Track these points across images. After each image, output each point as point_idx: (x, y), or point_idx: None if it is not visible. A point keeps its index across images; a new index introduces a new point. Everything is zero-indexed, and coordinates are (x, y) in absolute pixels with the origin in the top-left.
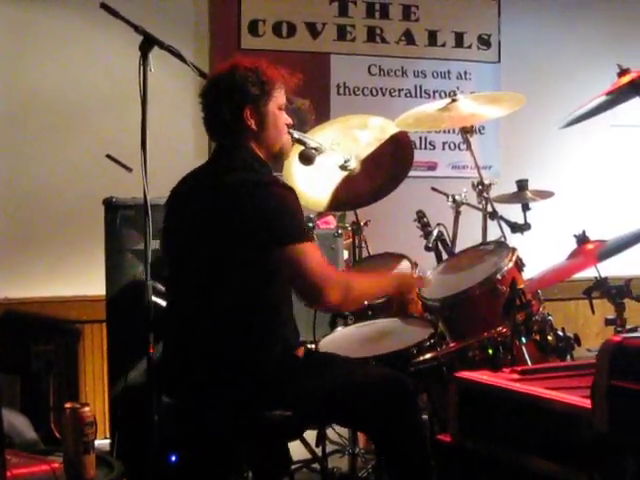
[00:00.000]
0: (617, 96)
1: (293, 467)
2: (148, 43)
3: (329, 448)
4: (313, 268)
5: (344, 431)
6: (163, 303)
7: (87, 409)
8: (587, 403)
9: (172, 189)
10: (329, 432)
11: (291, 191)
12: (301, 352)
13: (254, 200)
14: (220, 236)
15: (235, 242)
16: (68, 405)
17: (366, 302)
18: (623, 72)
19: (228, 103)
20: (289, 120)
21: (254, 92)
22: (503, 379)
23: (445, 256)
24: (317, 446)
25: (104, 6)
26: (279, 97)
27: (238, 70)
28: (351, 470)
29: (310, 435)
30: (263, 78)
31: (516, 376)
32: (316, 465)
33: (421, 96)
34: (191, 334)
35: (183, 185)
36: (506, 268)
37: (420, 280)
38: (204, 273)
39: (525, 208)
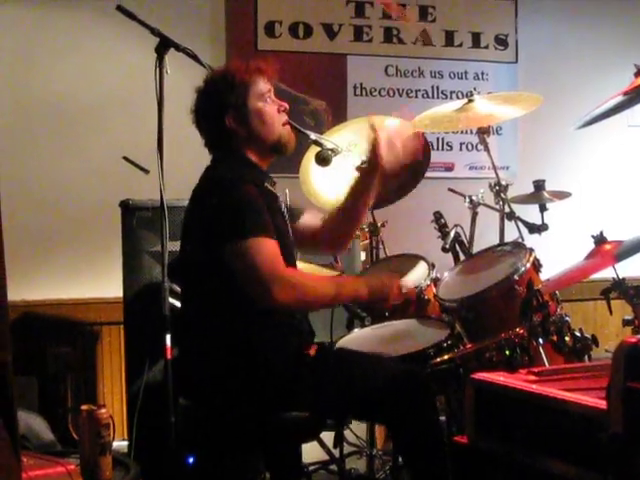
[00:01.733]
0: (634, 96)
1: (311, 468)
2: (164, 45)
3: (347, 449)
4: (261, 263)
5: (362, 432)
6: (179, 305)
7: (103, 411)
8: (603, 404)
9: None
10: (347, 433)
11: (251, 186)
12: (313, 351)
13: (212, 198)
14: (205, 236)
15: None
16: (84, 407)
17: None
18: None
19: (209, 120)
20: (282, 105)
21: (229, 99)
22: (519, 380)
23: (462, 257)
24: (335, 447)
25: (120, 8)
26: (259, 90)
27: (210, 83)
28: (369, 471)
29: (328, 436)
30: (234, 81)
31: (532, 377)
32: (334, 466)
33: (438, 97)
34: (202, 335)
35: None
36: (523, 269)
37: (398, 291)
38: (203, 276)
39: (542, 209)
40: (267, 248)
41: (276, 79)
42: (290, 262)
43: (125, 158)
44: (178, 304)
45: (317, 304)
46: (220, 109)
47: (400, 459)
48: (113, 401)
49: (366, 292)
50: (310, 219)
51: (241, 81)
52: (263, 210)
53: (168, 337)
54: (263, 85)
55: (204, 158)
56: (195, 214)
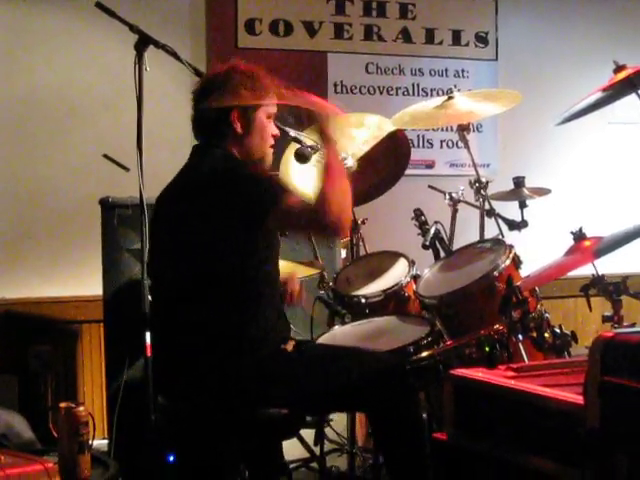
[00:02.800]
0: (613, 92)
1: (291, 466)
2: (143, 42)
3: (327, 447)
4: (305, 206)
5: (342, 430)
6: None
7: (82, 409)
8: (581, 400)
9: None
10: (327, 431)
11: (252, 167)
12: (290, 346)
13: (224, 188)
14: (197, 232)
15: (215, 233)
16: (63, 405)
17: None
18: (619, 68)
19: (217, 102)
20: (276, 131)
21: (246, 95)
22: (498, 376)
23: (442, 254)
24: (315, 445)
25: (99, 5)
26: (270, 107)
27: (234, 73)
28: (349, 469)
29: (308, 434)
30: (257, 85)
31: (511, 373)
32: (314, 464)
33: (418, 94)
34: (178, 333)
35: (164, 190)
36: (503, 265)
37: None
38: (182, 270)
39: (522, 205)
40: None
41: (282, 108)
42: (276, 261)
43: (105, 156)
44: None
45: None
46: (234, 98)
47: (381, 458)
48: (93, 399)
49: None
50: None
51: (264, 87)
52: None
53: (148, 335)
54: (273, 106)
55: (184, 156)
56: (193, 211)
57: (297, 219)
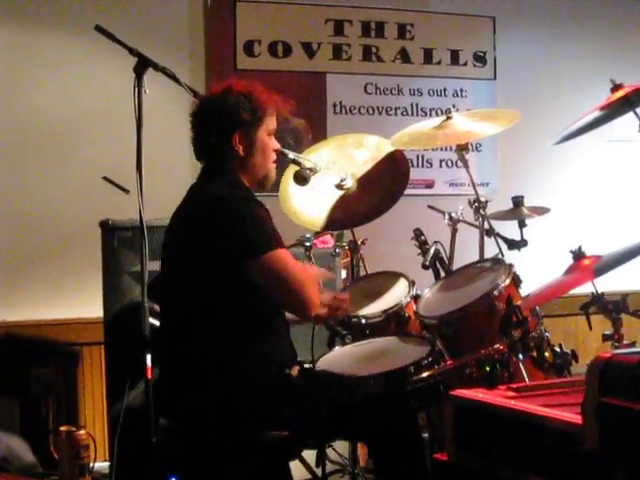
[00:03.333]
0: (611, 111)
1: None
2: (142, 65)
3: (329, 468)
4: (294, 273)
5: (344, 451)
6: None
7: (82, 432)
8: (580, 420)
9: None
10: (329, 452)
11: (260, 205)
12: (296, 372)
13: (221, 217)
14: (198, 256)
15: (211, 260)
16: (63, 428)
17: None
18: (616, 87)
19: (217, 126)
20: (277, 146)
21: (245, 118)
22: (498, 396)
23: (442, 274)
24: (317, 466)
25: (99, 28)
26: (270, 124)
27: (231, 94)
28: None
29: (310, 455)
30: (255, 104)
31: (511, 393)
32: None
33: (417, 114)
34: (182, 355)
35: (174, 212)
36: (503, 285)
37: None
38: (188, 294)
39: (521, 224)
40: (291, 258)
41: (281, 122)
42: None
43: (105, 178)
44: (158, 324)
45: None
46: (234, 123)
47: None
48: (95, 422)
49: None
50: None
51: (262, 106)
52: (272, 224)
53: (149, 357)
54: (273, 122)
55: (184, 177)
56: (196, 235)
57: (276, 281)
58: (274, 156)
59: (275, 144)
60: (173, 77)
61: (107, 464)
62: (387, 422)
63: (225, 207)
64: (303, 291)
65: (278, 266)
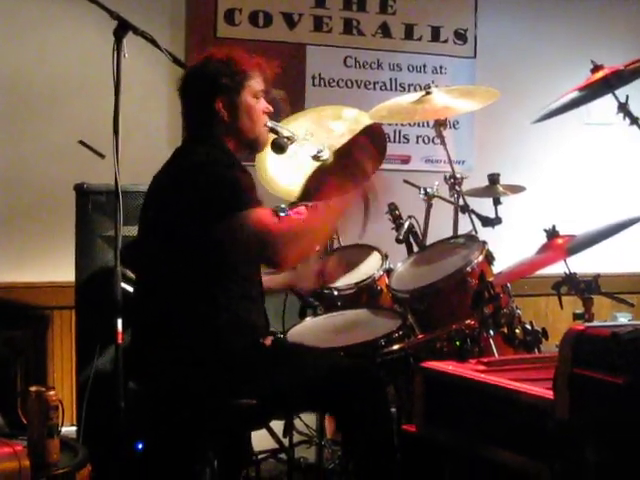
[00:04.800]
0: (590, 92)
1: (260, 457)
2: (122, 29)
3: (296, 438)
4: (255, 229)
5: (312, 422)
6: (132, 289)
7: (52, 393)
8: (551, 394)
9: None
10: (297, 422)
11: (241, 169)
12: (269, 341)
13: (199, 179)
14: (172, 220)
15: (187, 222)
16: (33, 388)
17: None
18: (596, 68)
19: (199, 94)
20: (268, 108)
21: (226, 83)
22: (468, 370)
23: (416, 248)
24: (284, 436)
25: None
26: (255, 85)
27: (210, 62)
28: (318, 460)
29: (277, 425)
30: (235, 68)
31: (482, 367)
32: (283, 455)
33: (396, 89)
34: (154, 319)
35: (153, 178)
36: (476, 261)
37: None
38: (162, 257)
39: (496, 202)
40: (260, 215)
41: (271, 82)
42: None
43: (81, 142)
44: (130, 289)
45: (316, 245)
46: (214, 88)
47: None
48: (63, 386)
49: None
50: None
51: (242, 70)
52: (248, 185)
53: (120, 322)
54: (259, 83)
55: (161, 143)
56: (172, 193)
57: (247, 239)
58: (265, 118)
59: (266, 106)
60: (152, 41)
61: (74, 428)
62: (356, 394)
63: (204, 170)
64: (269, 250)
65: (245, 224)
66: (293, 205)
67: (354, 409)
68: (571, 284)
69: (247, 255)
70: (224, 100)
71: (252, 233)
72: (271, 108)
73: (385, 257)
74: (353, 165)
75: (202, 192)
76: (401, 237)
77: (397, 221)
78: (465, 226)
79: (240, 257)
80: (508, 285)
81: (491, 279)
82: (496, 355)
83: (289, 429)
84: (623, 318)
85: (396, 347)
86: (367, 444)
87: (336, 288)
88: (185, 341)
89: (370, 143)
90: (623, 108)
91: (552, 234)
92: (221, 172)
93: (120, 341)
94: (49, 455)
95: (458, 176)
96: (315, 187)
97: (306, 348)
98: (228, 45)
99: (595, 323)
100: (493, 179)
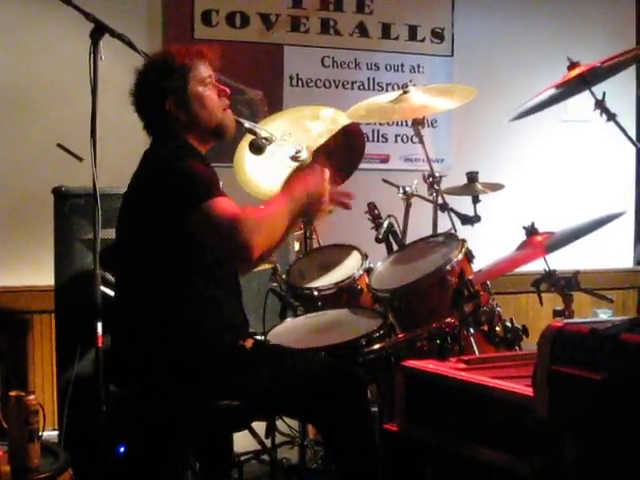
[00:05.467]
0: (567, 89)
1: (242, 458)
2: (99, 31)
3: (279, 439)
4: (224, 216)
5: (294, 423)
6: (112, 293)
7: (32, 397)
8: (530, 391)
9: None
10: (279, 423)
11: (195, 158)
12: (249, 343)
13: (158, 178)
14: (144, 222)
15: (156, 225)
16: (13, 393)
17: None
18: (573, 65)
19: (149, 104)
20: (223, 89)
21: (169, 83)
22: (449, 368)
23: (395, 248)
24: (267, 437)
25: None
26: (199, 73)
27: (150, 68)
28: (300, 461)
29: (259, 426)
30: (173, 65)
31: (462, 365)
32: (265, 456)
33: (374, 89)
34: (134, 322)
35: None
36: (455, 260)
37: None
38: (137, 261)
39: (475, 200)
40: (226, 204)
41: (218, 64)
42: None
43: (59, 145)
44: (110, 292)
45: (282, 235)
46: (160, 93)
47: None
48: (44, 390)
49: (304, 194)
50: None
51: (181, 65)
52: (210, 175)
53: (99, 325)
54: (204, 69)
55: (138, 146)
56: (139, 196)
57: (213, 230)
58: (224, 102)
59: (221, 90)
60: (129, 44)
61: (55, 432)
62: (337, 394)
63: (167, 168)
64: (239, 236)
65: (213, 214)
66: None
67: (335, 410)
68: (551, 281)
69: (218, 244)
70: (173, 100)
71: (221, 220)
72: (226, 89)
73: (365, 257)
74: (332, 165)
75: (169, 189)
76: (381, 236)
77: (376, 220)
78: (444, 224)
79: (212, 247)
80: (488, 283)
81: (471, 277)
82: (477, 353)
83: (271, 430)
84: (603, 314)
85: (377, 346)
86: (349, 444)
87: (316, 288)
88: (164, 343)
89: (348, 143)
90: (600, 105)
91: (531, 231)
92: (183, 166)
93: (100, 344)
94: (30, 460)
95: (437, 175)
96: None
97: (287, 350)
98: (206, 44)
99: (574, 320)
100: (472, 177)
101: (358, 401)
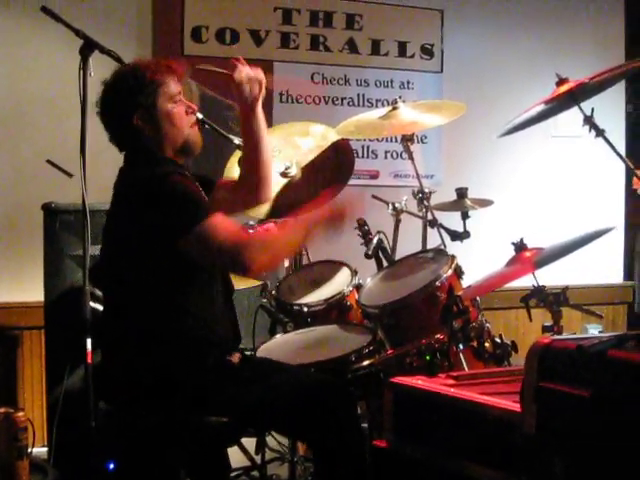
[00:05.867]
0: (555, 105)
1: (232, 474)
2: (89, 47)
3: (268, 455)
4: (225, 239)
5: (284, 439)
6: (101, 309)
7: (21, 414)
8: (518, 407)
9: None
10: (269, 440)
11: (177, 174)
12: (236, 358)
13: (146, 198)
14: (128, 241)
15: (147, 242)
16: (1, 410)
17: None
18: (561, 81)
19: (116, 116)
20: (191, 106)
21: (138, 98)
22: (438, 384)
23: (385, 264)
24: (257, 454)
25: (45, 9)
26: (169, 89)
27: (117, 81)
28: (290, 478)
29: (249, 442)
30: (142, 79)
31: (451, 381)
32: (255, 473)
33: (364, 105)
34: (122, 338)
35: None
36: (445, 276)
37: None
38: (126, 278)
39: (464, 216)
40: (222, 223)
41: (185, 79)
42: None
43: (48, 161)
44: (100, 308)
45: (285, 256)
46: (128, 107)
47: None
48: (33, 407)
49: (322, 223)
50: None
51: (151, 80)
52: (199, 192)
53: (89, 341)
54: (174, 86)
55: None
56: (123, 217)
57: (215, 252)
58: (191, 119)
59: (188, 106)
60: (119, 60)
61: (45, 449)
62: (326, 411)
63: (147, 188)
64: (242, 258)
65: (213, 236)
66: (261, 222)
67: (325, 424)
68: (540, 297)
69: (219, 262)
70: (141, 115)
71: (223, 244)
72: (193, 106)
73: (354, 273)
74: (321, 181)
75: (159, 210)
76: (370, 252)
77: (366, 236)
78: (434, 240)
79: (210, 265)
80: (477, 299)
81: (460, 293)
82: (466, 369)
83: (261, 446)
84: (593, 330)
85: (366, 363)
86: (339, 460)
87: (306, 304)
88: (151, 358)
89: (338, 159)
90: (589, 121)
91: (520, 247)
92: (169, 186)
93: (90, 361)
94: (18, 477)
95: (426, 191)
96: (283, 203)
97: (275, 364)
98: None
99: (561, 336)
100: (461, 193)
101: (348, 415)
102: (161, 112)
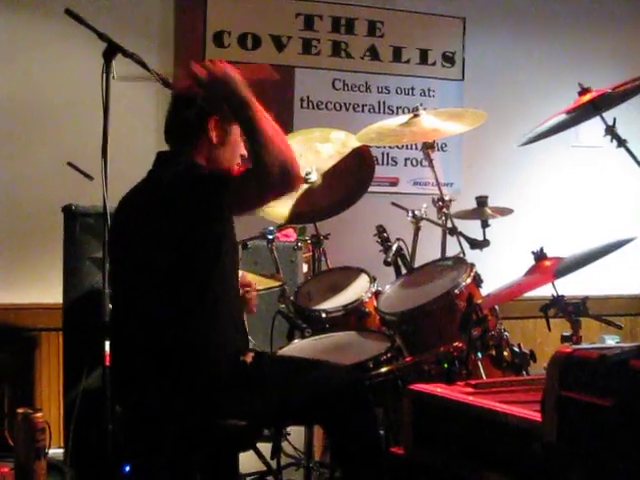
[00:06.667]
0: (577, 115)
1: (247, 479)
2: (112, 50)
3: (284, 461)
4: (246, 180)
5: (300, 444)
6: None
7: (39, 415)
8: (539, 416)
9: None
10: (284, 445)
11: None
12: (250, 358)
13: (174, 187)
14: (154, 236)
15: (171, 237)
16: (20, 410)
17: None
18: (584, 91)
19: (197, 107)
20: (245, 152)
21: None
22: (456, 392)
23: (404, 271)
24: (272, 459)
25: (69, 12)
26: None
27: None
28: None
29: (265, 447)
30: None
31: (470, 389)
32: (271, 478)
33: (384, 112)
34: (136, 343)
35: (123, 199)
36: (464, 284)
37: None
38: (142, 280)
39: (484, 225)
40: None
41: None
42: (234, 275)
43: (69, 164)
44: None
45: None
46: (216, 106)
47: (337, 472)
48: (50, 408)
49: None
50: None
51: None
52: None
53: (107, 344)
54: None
55: (149, 165)
56: (146, 217)
57: (247, 189)
58: (239, 160)
59: (244, 150)
60: (142, 63)
61: (61, 450)
62: (344, 413)
63: (184, 179)
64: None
65: (241, 184)
66: (281, 228)
67: (343, 430)
68: (559, 306)
69: (271, 181)
70: (217, 121)
71: (246, 183)
72: (246, 154)
73: (373, 279)
74: (341, 187)
75: (195, 187)
76: (389, 259)
77: (385, 243)
78: (453, 248)
79: (268, 191)
80: (496, 307)
81: (479, 301)
82: (484, 377)
83: (277, 451)
84: (611, 340)
85: (384, 370)
86: (356, 466)
87: (324, 310)
88: (168, 366)
89: (358, 166)
90: (611, 131)
91: (540, 256)
92: (199, 170)
93: (108, 363)
94: (36, 477)
95: (446, 198)
96: (303, 210)
97: (290, 360)
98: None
99: (583, 345)
100: (481, 201)
101: (366, 419)
102: (233, 134)
